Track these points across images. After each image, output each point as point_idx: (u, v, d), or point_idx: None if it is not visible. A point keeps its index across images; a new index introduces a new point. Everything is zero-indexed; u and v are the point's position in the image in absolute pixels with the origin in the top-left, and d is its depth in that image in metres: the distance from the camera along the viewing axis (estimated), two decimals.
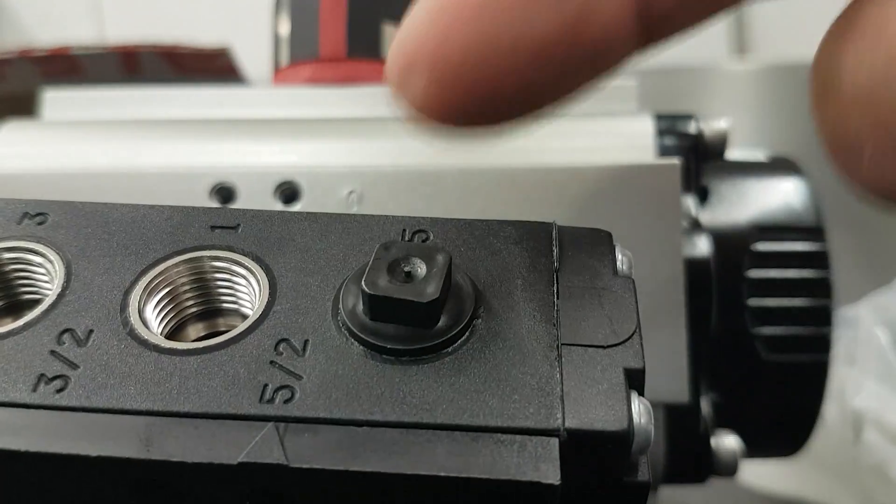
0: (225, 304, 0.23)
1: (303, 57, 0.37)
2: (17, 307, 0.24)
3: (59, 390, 0.20)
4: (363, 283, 0.20)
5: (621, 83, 0.34)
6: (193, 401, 0.20)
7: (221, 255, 0.23)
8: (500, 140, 0.30)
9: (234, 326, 0.22)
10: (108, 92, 0.37)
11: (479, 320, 0.21)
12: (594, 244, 0.23)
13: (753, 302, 0.33)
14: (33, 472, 0.20)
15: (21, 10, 0.86)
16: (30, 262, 0.23)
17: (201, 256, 0.23)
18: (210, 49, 0.56)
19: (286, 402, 0.20)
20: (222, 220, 0.23)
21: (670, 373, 0.30)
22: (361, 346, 0.21)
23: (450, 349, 0.21)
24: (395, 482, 0.19)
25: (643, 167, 0.30)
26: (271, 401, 0.20)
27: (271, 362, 0.20)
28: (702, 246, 0.32)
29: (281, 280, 0.22)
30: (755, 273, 0.33)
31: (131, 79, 0.58)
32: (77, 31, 0.84)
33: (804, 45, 0.25)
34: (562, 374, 0.20)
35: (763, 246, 0.34)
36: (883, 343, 0.53)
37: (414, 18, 0.21)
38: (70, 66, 0.58)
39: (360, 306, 0.21)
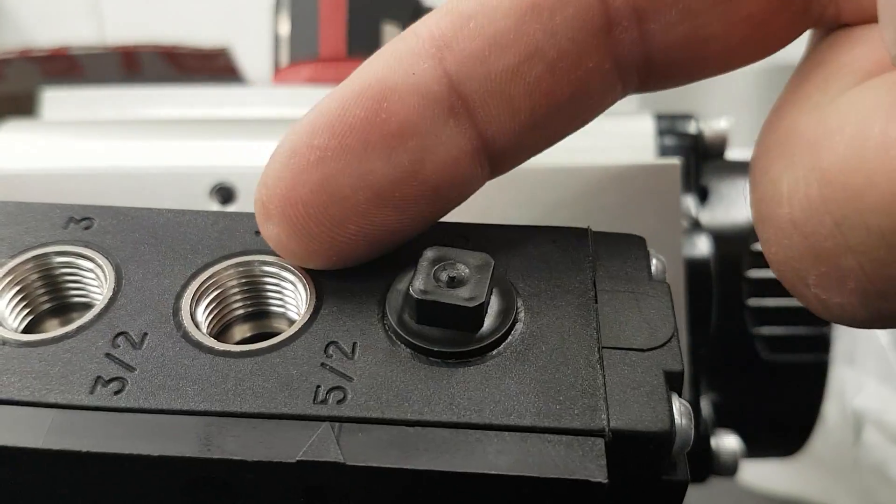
0: (272, 307, 0.24)
1: (303, 57, 0.37)
2: (64, 309, 0.24)
3: (117, 392, 0.20)
4: (410, 287, 0.21)
5: None
6: (249, 401, 0.20)
7: (269, 260, 0.23)
8: None
9: (280, 328, 0.23)
10: (107, 91, 0.37)
11: (521, 323, 0.22)
12: (628, 249, 0.24)
13: (753, 302, 0.33)
14: (93, 473, 0.20)
15: (20, 9, 0.86)
16: (79, 266, 0.23)
17: (251, 261, 0.23)
18: (210, 49, 0.56)
19: (339, 402, 0.20)
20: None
21: None
22: (408, 349, 0.21)
23: (494, 352, 0.21)
24: (447, 480, 0.19)
25: (643, 167, 0.30)
26: (324, 401, 0.20)
27: (322, 364, 0.21)
28: (701, 246, 0.32)
29: (326, 284, 0.22)
30: (755, 273, 0.33)
31: (131, 78, 0.58)
32: (76, 30, 0.85)
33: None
34: (604, 377, 0.21)
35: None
36: (883, 343, 0.53)
37: (268, 167, 0.21)
38: (69, 66, 0.58)
39: (407, 310, 0.21)
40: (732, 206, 0.37)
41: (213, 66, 0.57)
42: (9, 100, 0.59)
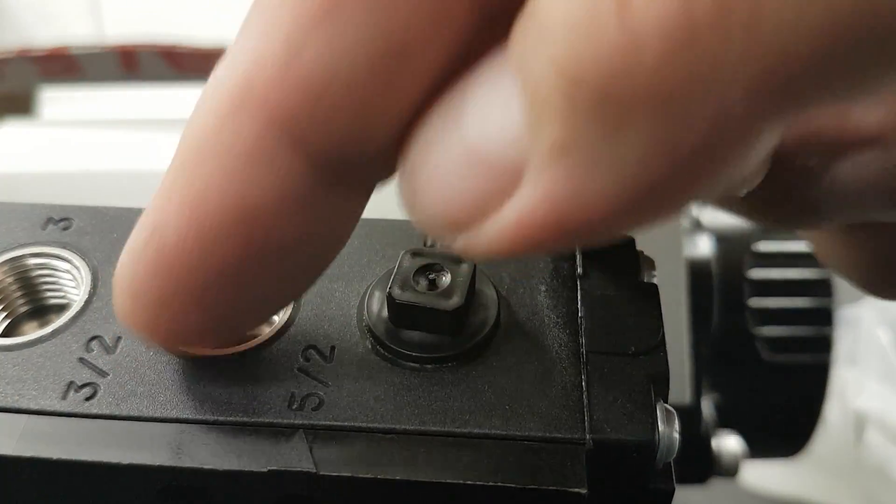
0: None
1: None
2: (42, 312, 0.24)
3: (89, 398, 0.20)
4: (388, 290, 0.20)
5: None
6: (223, 409, 0.20)
7: None
8: None
9: (259, 332, 0.22)
10: (106, 91, 0.37)
11: (503, 328, 0.21)
12: (617, 250, 0.23)
13: (754, 302, 0.33)
14: (63, 480, 0.20)
15: (19, 8, 0.86)
16: (56, 268, 0.23)
17: None
18: (209, 48, 0.56)
19: (314, 409, 0.20)
20: None
21: (672, 373, 0.30)
22: (387, 353, 0.21)
23: (474, 357, 0.21)
24: (423, 490, 0.19)
25: None
26: (300, 408, 0.20)
27: (299, 369, 0.20)
28: (703, 246, 0.32)
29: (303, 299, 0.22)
30: (756, 273, 0.33)
31: (130, 78, 0.58)
32: (76, 29, 0.85)
33: None
34: (587, 383, 0.20)
35: (764, 246, 0.34)
36: (884, 343, 0.53)
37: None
38: (68, 65, 0.57)
39: (385, 313, 0.21)
40: None
41: (212, 66, 0.56)
42: (7, 99, 0.59)
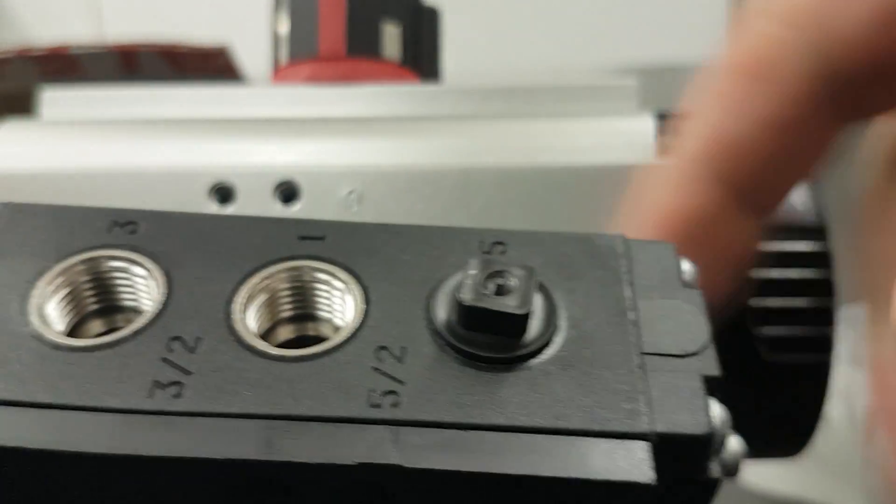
0: (319, 312, 0.24)
1: (302, 55, 0.37)
2: (109, 311, 0.24)
3: (176, 396, 0.21)
4: (460, 294, 0.21)
5: (622, 83, 0.34)
6: (306, 405, 0.20)
7: (318, 266, 0.23)
8: (500, 139, 0.30)
9: (324, 331, 0.24)
10: (106, 91, 0.37)
11: (562, 329, 0.22)
12: (659, 256, 0.24)
13: (754, 302, 0.33)
14: (153, 477, 0.20)
15: (19, 8, 0.86)
16: (129, 271, 0.23)
17: (300, 266, 0.23)
18: (209, 48, 0.56)
19: (393, 406, 0.21)
20: (309, 230, 0.24)
21: None
22: (456, 354, 0.21)
23: (538, 358, 0.22)
24: (500, 482, 0.20)
25: (644, 167, 0.30)
26: (379, 405, 0.21)
27: (374, 368, 0.21)
28: None
29: (373, 290, 0.23)
30: (756, 273, 0.33)
31: (130, 78, 0.58)
32: (75, 29, 0.85)
33: None
34: (646, 381, 0.21)
35: (764, 246, 0.34)
36: None
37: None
38: (69, 65, 0.58)
39: (454, 316, 0.22)
40: None
41: (212, 66, 0.57)
42: (7, 99, 0.59)
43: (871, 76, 0.22)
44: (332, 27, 0.36)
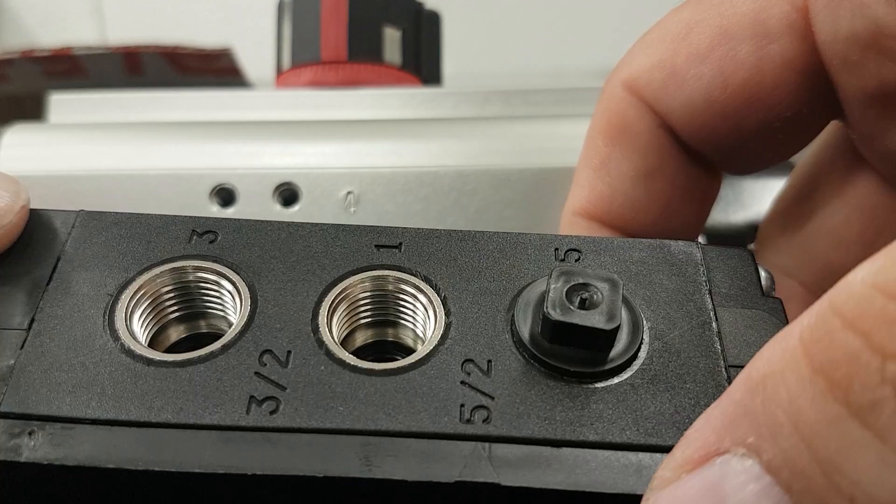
0: (399, 320, 0.24)
1: (304, 60, 0.38)
2: (191, 318, 0.25)
3: (273, 412, 0.21)
4: (546, 308, 0.21)
5: None
6: (399, 420, 0.21)
7: (401, 277, 0.24)
8: (496, 141, 0.30)
9: (403, 337, 0.24)
10: (112, 95, 0.38)
11: (647, 342, 0.22)
12: (738, 264, 0.24)
13: None
14: (254, 493, 0.20)
15: (22, 11, 0.86)
16: (213, 282, 0.24)
17: (384, 276, 0.24)
18: (212, 49, 0.56)
19: (485, 421, 0.21)
20: (385, 239, 0.24)
21: None
22: (543, 368, 0.22)
23: (625, 371, 0.22)
24: (597, 500, 0.20)
25: None
26: (471, 420, 0.21)
27: (462, 382, 0.21)
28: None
29: (453, 300, 0.23)
30: None
31: (133, 79, 0.58)
32: (78, 32, 0.85)
33: None
34: None
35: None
36: None
37: None
38: (72, 67, 0.57)
39: (539, 329, 0.22)
40: (730, 206, 0.38)
41: (215, 67, 0.57)
42: (12, 100, 0.59)
43: (718, 136, 0.25)
44: (333, 32, 0.37)
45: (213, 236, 0.24)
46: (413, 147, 0.32)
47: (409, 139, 0.32)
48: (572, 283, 0.21)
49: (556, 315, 0.21)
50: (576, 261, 0.24)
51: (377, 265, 0.24)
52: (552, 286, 0.21)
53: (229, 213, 0.32)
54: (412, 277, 0.23)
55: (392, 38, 0.37)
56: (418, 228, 0.24)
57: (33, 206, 0.29)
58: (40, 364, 0.21)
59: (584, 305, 0.21)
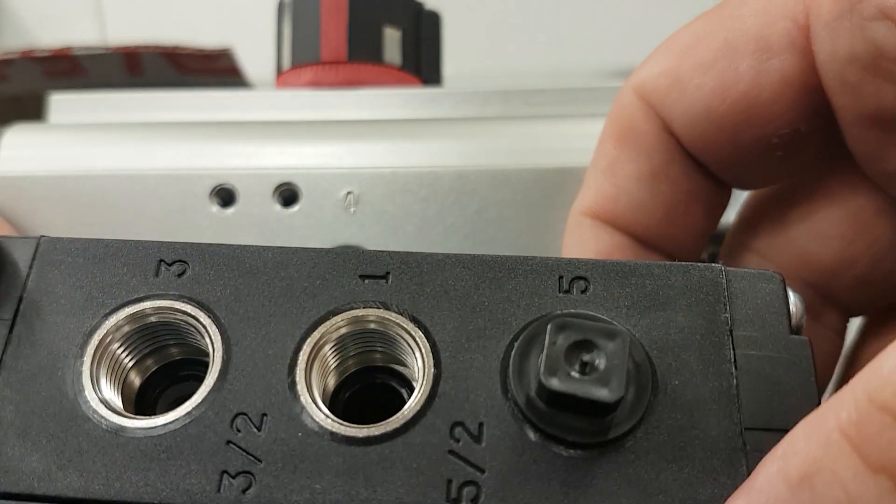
0: (386, 364, 0.23)
1: (305, 60, 0.38)
2: (162, 357, 0.23)
3: (245, 489, 0.20)
4: (541, 375, 0.19)
5: (616, 85, 0.35)
6: (382, 496, 0.19)
7: (384, 318, 0.22)
8: (495, 141, 0.30)
9: (391, 381, 0.23)
10: (112, 95, 0.38)
11: (657, 400, 0.20)
12: (765, 293, 0.21)
13: None
14: None
15: (22, 11, 0.86)
16: (181, 327, 0.22)
17: (362, 318, 0.22)
18: (212, 49, 0.55)
19: (472, 501, 0.19)
20: (371, 268, 0.22)
21: None
22: (539, 435, 0.20)
23: (632, 437, 0.20)
24: None
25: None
26: (458, 500, 0.19)
27: (450, 452, 0.20)
28: None
29: (444, 346, 0.21)
30: None
31: (133, 79, 0.58)
32: (78, 32, 0.85)
33: None
34: (748, 465, 0.19)
35: None
36: None
37: None
38: (72, 67, 0.57)
39: (534, 390, 0.20)
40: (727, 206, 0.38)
41: (215, 67, 0.57)
42: (12, 100, 0.59)
43: (717, 147, 0.26)
44: (333, 32, 0.37)
45: (183, 266, 0.22)
46: (413, 147, 0.32)
47: (409, 139, 0.33)
48: (572, 341, 0.19)
49: (552, 383, 0.19)
50: (583, 292, 0.22)
51: (360, 302, 0.22)
52: (549, 343, 0.19)
53: (229, 213, 0.32)
54: (399, 318, 0.22)
55: (392, 39, 0.38)
56: (408, 253, 0.22)
57: (34, 206, 0.29)
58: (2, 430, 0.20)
59: (584, 370, 0.19)
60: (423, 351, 0.21)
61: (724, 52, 0.25)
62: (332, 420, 0.20)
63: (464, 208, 0.31)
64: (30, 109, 0.55)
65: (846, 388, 0.17)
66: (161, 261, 0.22)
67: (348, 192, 0.32)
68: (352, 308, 0.22)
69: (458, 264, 0.22)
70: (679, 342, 0.21)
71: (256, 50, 0.55)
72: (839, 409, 0.16)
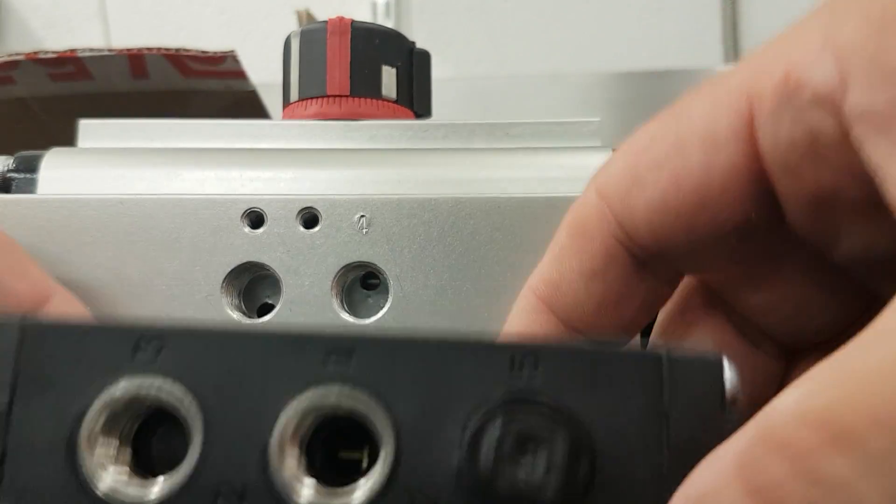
0: (351, 439, 0.23)
1: (311, 94, 0.42)
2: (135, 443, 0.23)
3: None
4: (480, 464, 0.20)
5: (586, 119, 0.40)
6: None
7: (347, 395, 0.22)
8: (490, 170, 0.35)
9: (355, 455, 0.23)
10: (137, 122, 0.42)
11: (594, 485, 0.21)
12: (704, 373, 0.21)
13: None
14: None
15: (27, 14, 0.87)
16: (160, 411, 0.22)
17: (325, 396, 0.22)
18: (216, 52, 0.57)
19: None
20: (335, 346, 0.22)
21: None
22: None
23: None
24: None
25: None
26: None
27: None
28: None
29: (404, 426, 0.21)
30: None
31: (138, 82, 0.60)
32: (83, 36, 0.85)
33: None
34: None
35: None
36: None
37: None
38: (77, 69, 0.59)
39: (481, 479, 0.20)
40: None
41: (219, 70, 0.59)
42: (17, 102, 0.61)
43: (675, 237, 0.27)
44: (337, 70, 0.41)
45: (160, 343, 0.22)
46: (416, 176, 0.37)
47: (412, 168, 0.37)
48: (513, 431, 0.20)
49: (490, 474, 0.20)
50: (532, 373, 0.21)
51: (325, 380, 0.22)
52: (488, 434, 0.20)
53: (258, 233, 0.36)
54: (363, 396, 0.22)
55: (389, 76, 0.42)
56: (371, 334, 0.22)
57: (77, 227, 0.32)
58: None
59: (522, 464, 0.20)
60: (385, 435, 0.21)
61: (676, 148, 0.25)
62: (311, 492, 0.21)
63: (459, 231, 0.35)
64: (35, 112, 0.57)
65: (748, 423, 0.19)
66: (139, 340, 0.22)
67: (361, 216, 0.36)
68: (318, 385, 0.22)
69: (412, 347, 0.22)
70: (618, 427, 0.21)
71: (260, 55, 0.56)
72: (737, 441, 0.19)
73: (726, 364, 0.21)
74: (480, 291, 0.36)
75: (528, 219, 0.36)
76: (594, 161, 0.37)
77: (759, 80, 0.24)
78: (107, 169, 0.39)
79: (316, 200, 0.36)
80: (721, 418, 0.21)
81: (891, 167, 0.20)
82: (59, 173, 0.39)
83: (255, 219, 0.37)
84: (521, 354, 0.22)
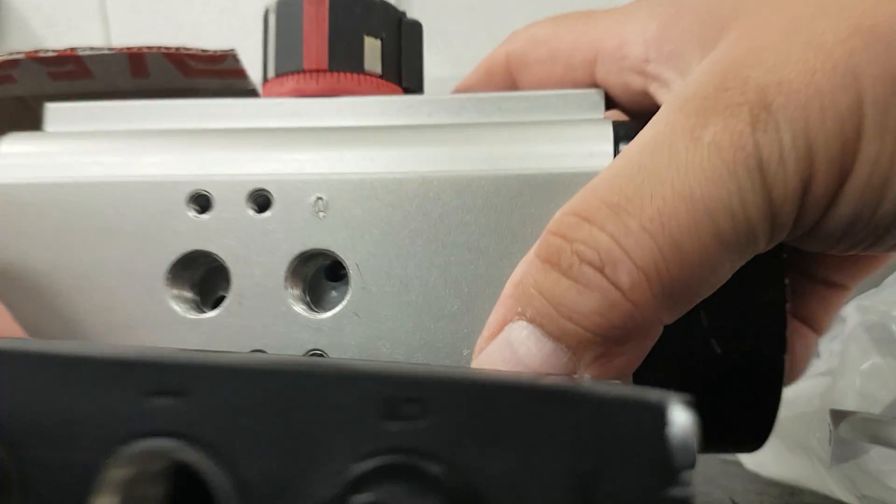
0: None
1: (287, 69, 0.38)
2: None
3: None
4: None
5: (588, 91, 0.35)
6: None
7: (180, 449, 0.18)
8: (461, 147, 0.31)
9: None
10: (106, 104, 0.39)
11: None
12: (645, 425, 0.16)
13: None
14: None
15: (27, 13, 0.86)
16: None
17: (157, 453, 0.18)
18: (216, 51, 0.55)
19: None
20: (163, 380, 0.18)
21: None
22: None
23: None
24: None
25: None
26: None
27: None
28: None
29: (254, 499, 0.17)
30: None
31: (138, 81, 0.58)
32: (83, 36, 0.85)
33: None
34: None
35: None
36: (868, 344, 0.53)
37: None
38: (77, 68, 0.58)
39: None
40: None
41: (220, 69, 0.57)
42: (17, 101, 0.59)
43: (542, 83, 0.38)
44: (315, 42, 0.38)
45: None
46: (379, 154, 0.33)
47: (377, 146, 0.33)
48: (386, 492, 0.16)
49: None
50: (414, 419, 0.17)
51: (151, 431, 0.18)
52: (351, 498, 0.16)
53: (205, 219, 0.33)
54: (199, 456, 0.18)
55: (372, 48, 0.38)
56: (211, 366, 0.18)
57: (22, 213, 0.30)
58: None
59: None
60: (226, 496, 0.17)
61: (556, 52, 0.37)
62: None
63: (427, 213, 0.31)
64: (35, 110, 0.55)
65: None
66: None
67: (318, 198, 0.32)
68: (144, 437, 0.18)
69: (266, 373, 0.18)
70: (526, 493, 0.16)
71: (260, 54, 0.55)
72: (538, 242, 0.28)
73: (677, 410, 0.16)
74: (449, 281, 0.31)
75: (503, 199, 0.32)
76: (594, 135, 0.33)
77: (605, 39, 0.35)
78: (63, 155, 0.36)
79: (267, 181, 0.33)
80: (665, 495, 0.15)
81: (665, 96, 0.32)
82: (11, 160, 0.36)
83: (203, 202, 0.33)
84: (402, 395, 0.17)
